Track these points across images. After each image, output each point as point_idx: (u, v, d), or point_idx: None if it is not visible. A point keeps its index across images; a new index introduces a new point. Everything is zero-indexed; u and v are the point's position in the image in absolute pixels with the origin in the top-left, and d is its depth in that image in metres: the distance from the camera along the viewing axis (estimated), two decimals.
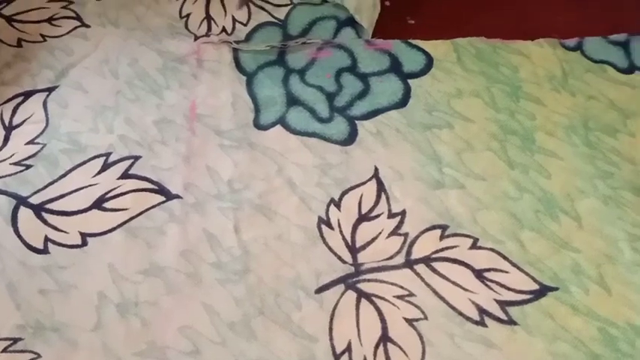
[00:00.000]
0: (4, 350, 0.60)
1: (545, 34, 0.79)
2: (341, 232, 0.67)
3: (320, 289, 0.64)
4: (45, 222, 0.67)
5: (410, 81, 0.77)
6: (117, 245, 0.66)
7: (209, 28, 0.80)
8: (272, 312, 0.63)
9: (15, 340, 0.61)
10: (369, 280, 0.64)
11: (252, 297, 0.63)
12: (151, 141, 0.71)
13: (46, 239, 0.66)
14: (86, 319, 0.62)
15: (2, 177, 0.69)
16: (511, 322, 0.63)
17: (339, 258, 0.66)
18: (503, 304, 0.63)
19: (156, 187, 0.68)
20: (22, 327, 0.62)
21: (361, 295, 0.64)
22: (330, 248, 0.66)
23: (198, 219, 0.67)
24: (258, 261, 0.65)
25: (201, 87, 0.75)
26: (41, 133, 0.72)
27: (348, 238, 0.67)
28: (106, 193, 0.68)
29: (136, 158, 0.70)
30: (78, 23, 0.80)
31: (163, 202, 0.68)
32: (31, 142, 0.71)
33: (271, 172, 0.70)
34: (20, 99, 0.74)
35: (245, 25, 0.81)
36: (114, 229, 0.66)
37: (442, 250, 0.66)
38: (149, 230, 0.66)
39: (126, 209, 0.67)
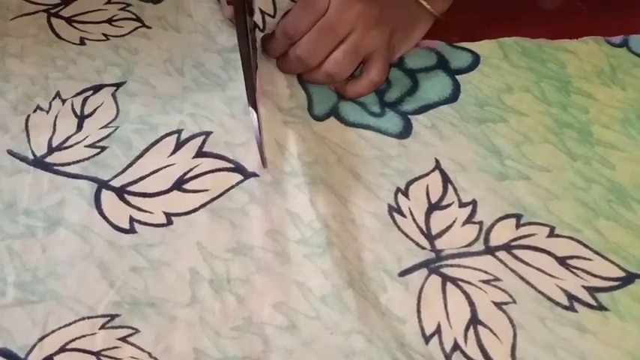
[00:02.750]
0: (103, 327, 0.59)
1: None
2: (414, 219, 0.65)
3: (403, 273, 0.62)
4: (128, 203, 0.65)
5: (458, 77, 0.75)
6: (202, 225, 0.64)
7: None
8: (360, 288, 0.61)
9: (112, 317, 0.59)
10: (451, 266, 0.62)
11: (339, 269, 0.61)
12: (220, 115, 0.70)
13: (132, 219, 0.64)
14: (181, 294, 0.60)
15: (80, 161, 0.68)
16: (602, 307, 0.60)
17: (417, 244, 0.63)
18: (592, 290, 0.61)
19: (232, 166, 0.67)
20: (118, 303, 0.59)
21: (446, 279, 0.61)
22: (406, 234, 0.64)
23: (279, 200, 0.65)
24: (339, 237, 0.63)
25: (261, 68, 0.74)
26: (113, 119, 0.71)
27: (423, 226, 0.65)
28: (185, 174, 0.67)
29: (208, 134, 0.69)
30: (139, 24, 0.79)
31: (241, 181, 0.66)
32: (105, 126, 0.71)
33: (332, 160, 0.68)
34: (90, 92, 0.73)
35: (273, 17, 0.80)
36: (197, 209, 0.65)
37: (520, 238, 0.64)
38: (232, 211, 0.65)
39: (206, 190, 0.66)
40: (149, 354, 0.57)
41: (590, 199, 0.66)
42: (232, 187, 0.66)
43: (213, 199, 0.65)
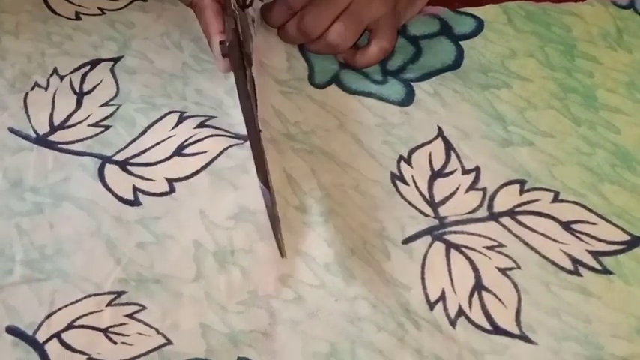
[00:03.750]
0: (109, 304, 0.58)
1: None
2: (417, 187, 0.65)
3: (407, 240, 0.62)
4: (130, 173, 0.65)
5: (462, 43, 0.74)
6: (204, 189, 0.63)
7: None
8: (364, 255, 0.60)
9: (119, 294, 0.59)
10: (455, 232, 0.62)
11: (342, 237, 0.60)
12: (224, 107, 0.69)
13: (135, 189, 0.64)
14: (186, 269, 0.60)
15: (84, 139, 0.67)
16: (606, 271, 0.60)
17: (420, 211, 0.63)
18: (597, 255, 0.61)
19: (232, 135, 0.67)
20: (125, 280, 0.59)
21: (450, 245, 0.61)
22: (409, 202, 0.64)
23: (276, 157, 0.65)
24: (341, 205, 0.63)
25: (259, 38, 0.73)
26: (114, 97, 0.70)
27: (426, 193, 0.64)
28: (185, 141, 0.66)
29: (211, 117, 0.68)
30: None
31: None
32: (105, 104, 0.70)
33: (333, 126, 0.68)
34: (87, 68, 0.72)
35: None
36: (197, 172, 0.64)
37: (524, 204, 0.63)
38: (232, 170, 0.64)
39: (205, 152, 0.65)
40: (156, 330, 0.57)
41: (595, 163, 0.66)
42: (231, 146, 0.65)
43: (213, 160, 0.65)
